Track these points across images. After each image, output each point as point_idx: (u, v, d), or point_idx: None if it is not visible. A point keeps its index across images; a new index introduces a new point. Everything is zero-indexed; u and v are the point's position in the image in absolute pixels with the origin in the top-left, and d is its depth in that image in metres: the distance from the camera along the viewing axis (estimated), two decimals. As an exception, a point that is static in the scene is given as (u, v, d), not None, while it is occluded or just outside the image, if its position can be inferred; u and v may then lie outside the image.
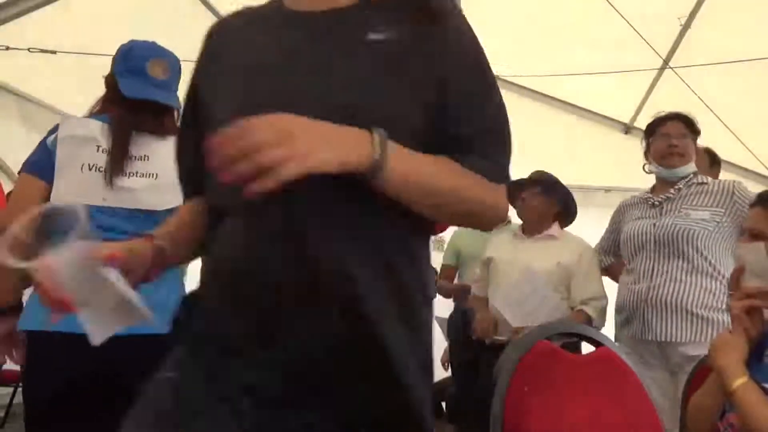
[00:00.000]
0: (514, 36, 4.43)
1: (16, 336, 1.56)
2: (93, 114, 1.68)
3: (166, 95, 1.61)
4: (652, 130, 2.32)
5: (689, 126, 2.22)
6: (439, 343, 4.11)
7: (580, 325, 2.00)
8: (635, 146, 4.84)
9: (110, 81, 1.68)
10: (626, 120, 4.90)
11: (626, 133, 4.95)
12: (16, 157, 3.81)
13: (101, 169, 1.50)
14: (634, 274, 2.18)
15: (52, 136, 1.58)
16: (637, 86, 4.38)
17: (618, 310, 2.25)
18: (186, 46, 4.43)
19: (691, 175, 2.19)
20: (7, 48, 3.25)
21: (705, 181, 2.17)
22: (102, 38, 3.57)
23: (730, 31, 3.52)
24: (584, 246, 2.52)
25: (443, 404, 3.85)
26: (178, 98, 1.63)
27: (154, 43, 1.68)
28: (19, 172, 1.67)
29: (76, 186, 1.50)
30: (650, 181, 2.45)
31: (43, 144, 1.59)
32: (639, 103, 4.60)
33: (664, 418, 1.58)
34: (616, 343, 2.05)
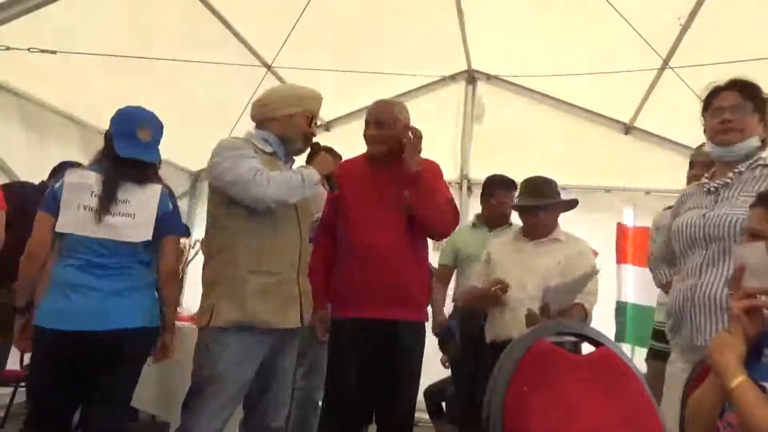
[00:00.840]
0: (515, 36, 4.44)
1: (30, 329, 2.07)
2: (92, 163, 2.18)
3: (150, 154, 2.15)
4: (707, 104, 1.93)
5: (749, 95, 1.84)
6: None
7: (581, 325, 1.99)
8: (635, 146, 4.90)
9: (108, 139, 2.15)
10: (626, 120, 4.90)
11: (626, 133, 4.96)
12: (16, 157, 3.83)
13: (93, 209, 2.03)
14: (682, 273, 1.91)
15: (59, 183, 2.08)
16: (637, 86, 4.38)
17: (667, 315, 1.99)
18: (186, 46, 4.45)
19: (758, 156, 1.83)
20: (7, 48, 3.25)
21: None
22: (102, 38, 3.58)
23: (730, 31, 3.53)
24: (585, 245, 2.55)
25: (443, 404, 3.85)
26: (158, 153, 2.19)
27: (141, 109, 2.17)
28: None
29: (74, 221, 2.02)
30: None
31: (51, 188, 2.09)
32: (639, 103, 4.60)
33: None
34: (671, 356, 1.96)
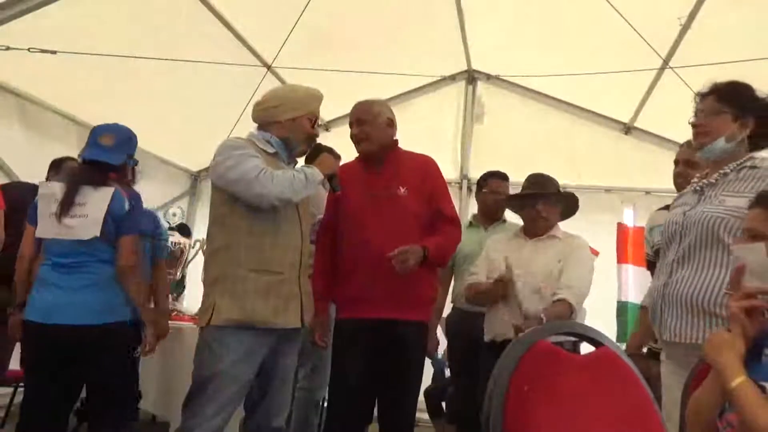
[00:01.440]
0: (515, 36, 4.44)
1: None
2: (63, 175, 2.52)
3: (109, 157, 2.29)
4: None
5: (724, 97, 1.88)
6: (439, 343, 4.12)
7: (580, 325, 1.99)
8: (635, 146, 4.90)
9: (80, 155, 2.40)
10: (626, 120, 4.91)
11: (626, 133, 4.96)
12: (16, 157, 3.83)
13: (56, 214, 2.21)
14: (659, 269, 1.96)
15: (36, 199, 2.29)
16: (637, 86, 4.38)
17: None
18: (186, 46, 4.44)
19: (749, 157, 1.86)
20: (7, 48, 3.25)
21: (757, 165, 1.84)
22: (102, 38, 3.58)
23: (730, 31, 3.53)
24: (581, 241, 2.55)
25: (443, 404, 3.85)
26: (121, 156, 2.33)
27: (112, 124, 2.38)
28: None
29: (43, 227, 2.24)
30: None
31: (33, 204, 2.31)
32: (639, 103, 4.60)
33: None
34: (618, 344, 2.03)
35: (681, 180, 2.46)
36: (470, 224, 3.42)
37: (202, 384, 1.99)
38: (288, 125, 2.19)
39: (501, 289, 2.44)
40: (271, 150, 2.16)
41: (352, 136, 2.45)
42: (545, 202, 2.54)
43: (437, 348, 3.34)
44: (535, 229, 2.58)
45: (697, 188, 1.92)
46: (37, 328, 2.14)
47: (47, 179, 2.87)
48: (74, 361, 2.15)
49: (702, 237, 1.77)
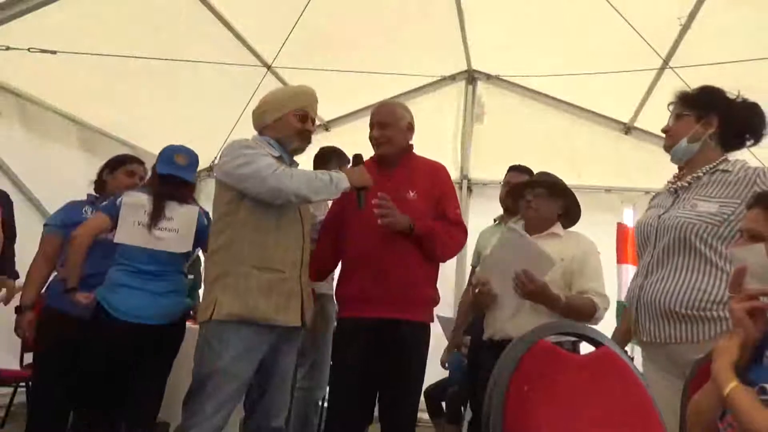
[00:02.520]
0: (515, 36, 4.44)
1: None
2: (142, 187, 2.63)
3: (185, 174, 2.54)
4: None
5: (688, 101, 1.98)
6: (439, 343, 4.12)
7: (580, 325, 1.99)
8: (635, 146, 4.90)
9: (153, 172, 2.58)
10: (626, 120, 4.91)
11: (626, 133, 4.96)
12: (16, 157, 3.83)
13: (144, 224, 2.41)
14: (636, 270, 2.03)
15: (119, 200, 2.47)
16: (637, 86, 4.38)
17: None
18: (186, 46, 4.44)
19: (721, 160, 1.90)
20: (7, 48, 3.25)
21: (729, 168, 1.87)
22: (102, 38, 3.58)
23: (730, 31, 3.53)
24: (587, 243, 2.49)
25: (443, 404, 3.85)
26: (194, 177, 2.64)
27: (182, 146, 2.59)
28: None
29: (129, 234, 2.40)
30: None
31: (112, 200, 2.50)
32: (639, 103, 4.60)
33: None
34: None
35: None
36: (495, 223, 3.40)
37: (202, 381, 2.00)
38: (276, 126, 2.23)
39: (482, 299, 2.43)
40: (275, 153, 2.18)
41: (371, 138, 2.43)
42: (535, 193, 2.52)
43: (461, 347, 3.34)
44: (528, 217, 2.56)
45: (671, 189, 1.98)
46: (123, 326, 2.30)
47: (100, 177, 2.89)
48: (141, 355, 2.35)
49: (674, 241, 1.83)
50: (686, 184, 1.92)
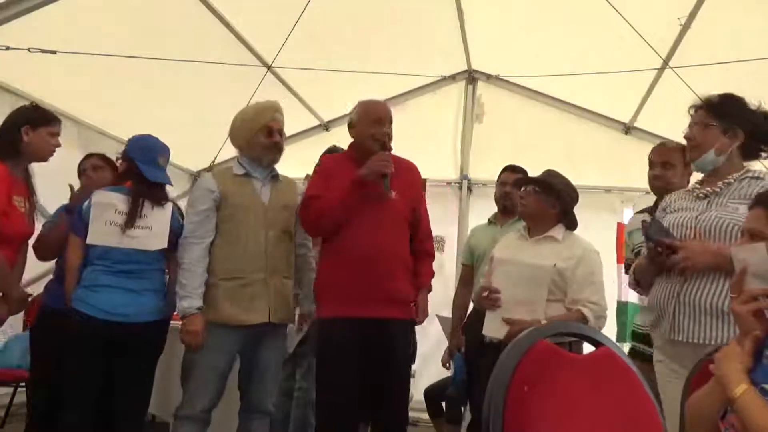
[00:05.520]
0: (515, 36, 4.44)
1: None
2: (113, 185, 2.59)
3: (165, 177, 2.57)
4: None
5: (715, 112, 1.97)
6: (440, 343, 4.12)
7: (580, 325, 1.99)
8: (635, 146, 4.89)
9: (131, 164, 2.51)
10: (626, 120, 4.90)
11: (626, 133, 4.95)
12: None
13: (117, 224, 2.42)
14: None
15: (85, 204, 2.45)
16: (637, 86, 4.37)
17: (649, 308, 2.06)
18: (186, 46, 4.43)
19: (746, 169, 1.96)
20: (7, 48, 3.25)
21: (761, 176, 1.92)
22: (102, 38, 3.58)
23: (730, 31, 3.53)
24: (586, 250, 2.45)
25: (443, 404, 3.85)
26: (168, 176, 2.61)
27: (155, 139, 2.58)
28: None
29: (101, 234, 2.41)
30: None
31: (78, 210, 2.48)
32: (639, 103, 4.60)
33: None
34: (654, 348, 2.01)
35: (659, 183, 2.51)
36: (489, 222, 3.39)
37: (185, 371, 2.41)
38: (248, 146, 2.51)
39: (487, 304, 2.43)
40: (241, 171, 2.50)
41: (381, 135, 2.43)
42: (527, 190, 2.51)
43: (461, 347, 3.33)
44: (530, 223, 2.55)
45: (701, 195, 1.98)
46: (101, 324, 2.33)
47: (80, 174, 2.95)
48: (125, 354, 2.39)
49: (720, 241, 1.83)
50: (717, 190, 1.95)
